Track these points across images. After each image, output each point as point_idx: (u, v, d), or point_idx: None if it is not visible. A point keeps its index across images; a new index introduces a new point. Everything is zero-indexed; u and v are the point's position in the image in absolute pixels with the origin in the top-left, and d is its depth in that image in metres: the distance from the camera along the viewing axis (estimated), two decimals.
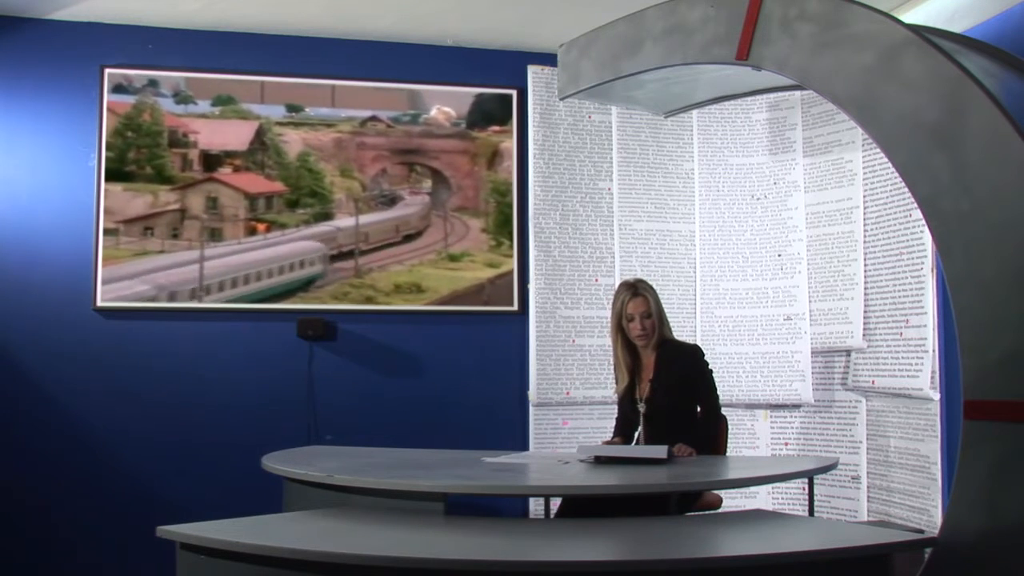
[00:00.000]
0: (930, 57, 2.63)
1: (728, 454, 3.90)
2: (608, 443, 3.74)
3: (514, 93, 4.86)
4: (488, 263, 4.81)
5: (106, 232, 4.44)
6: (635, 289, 3.69)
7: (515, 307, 4.79)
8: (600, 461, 3.32)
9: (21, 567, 4.25)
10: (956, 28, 3.79)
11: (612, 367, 3.83)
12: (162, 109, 4.56)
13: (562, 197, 4.76)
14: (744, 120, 4.81)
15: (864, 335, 4.36)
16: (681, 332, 4.44)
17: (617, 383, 3.79)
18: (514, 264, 4.80)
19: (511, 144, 4.85)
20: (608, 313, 4.65)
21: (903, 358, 4.15)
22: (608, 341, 4.64)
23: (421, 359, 4.72)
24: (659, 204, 4.84)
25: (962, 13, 4.02)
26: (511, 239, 4.82)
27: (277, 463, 3.36)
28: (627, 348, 3.72)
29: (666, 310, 3.81)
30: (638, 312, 3.65)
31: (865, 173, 4.43)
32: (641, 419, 3.69)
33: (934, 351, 4.03)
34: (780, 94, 4.57)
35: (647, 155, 4.86)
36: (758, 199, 4.74)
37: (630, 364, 3.72)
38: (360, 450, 3.84)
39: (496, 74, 4.85)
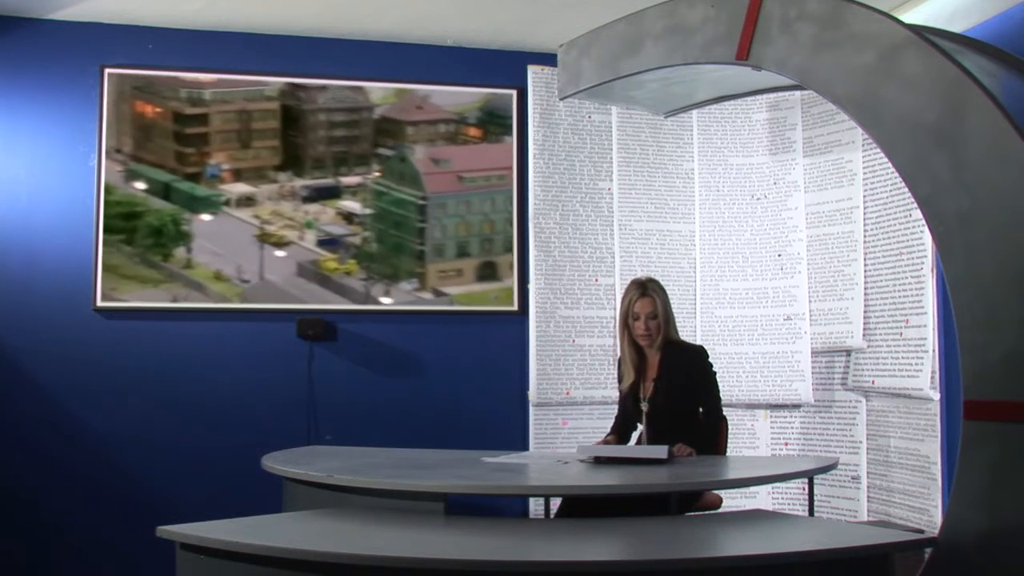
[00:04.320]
0: (930, 57, 2.63)
1: (728, 454, 3.90)
2: (603, 443, 3.74)
3: (514, 93, 4.86)
4: None
5: None
6: (644, 289, 3.68)
7: (515, 307, 4.78)
8: (600, 461, 3.32)
9: (21, 567, 4.25)
10: (956, 28, 3.79)
11: (613, 366, 3.83)
12: None
13: (562, 197, 4.76)
14: (744, 120, 4.81)
15: (864, 335, 4.36)
16: (681, 332, 4.41)
17: (621, 380, 3.79)
18: (514, 264, 4.80)
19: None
20: (610, 312, 4.68)
21: (903, 358, 4.15)
22: (609, 341, 4.66)
23: (421, 359, 4.72)
24: (659, 204, 4.84)
25: (962, 13, 4.01)
26: None
27: (277, 463, 3.36)
28: (633, 345, 3.71)
29: None
30: (644, 312, 3.64)
31: (865, 173, 4.42)
32: (643, 418, 3.69)
33: (934, 351, 4.03)
34: (780, 94, 4.56)
35: (647, 155, 4.86)
36: (758, 199, 4.74)
37: (636, 361, 3.71)
38: (360, 450, 3.84)
39: (496, 74, 4.85)
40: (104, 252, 4.35)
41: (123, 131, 4.42)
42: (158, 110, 4.40)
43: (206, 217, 4.39)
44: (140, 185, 4.38)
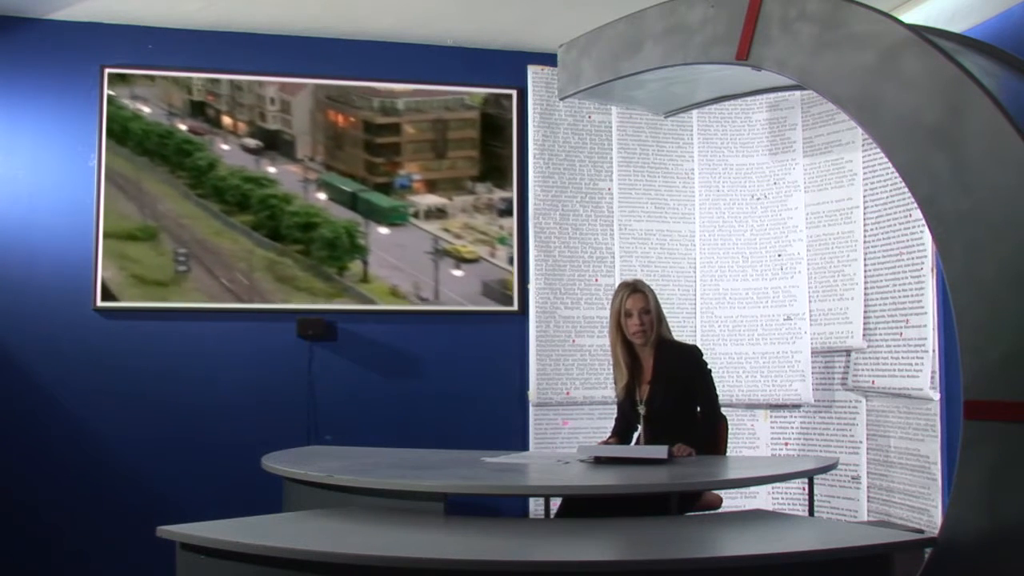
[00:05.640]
0: (930, 57, 2.63)
1: (728, 454, 3.90)
2: (604, 443, 3.74)
3: (514, 93, 4.86)
4: None
5: None
6: (634, 287, 3.71)
7: (515, 307, 4.78)
8: (600, 461, 3.32)
9: (21, 567, 4.25)
10: (956, 28, 3.79)
11: (612, 367, 3.83)
12: None
13: (562, 197, 4.76)
14: (744, 120, 4.81)
15: (864, 335, 4.36)
16: (681, 332, 4.44)
17: (616, 383, 3.79)
18: (514, 264, 4.80)
19: None
20: (608, 313, 4.68)
21: (903, 358, 4.15)
22: (608, 341, 4.66)
23: (421, 359, 4.72)
24: (659, 204, 4.84)
25: (962, 13, 4.01)
26: None
27: (277, 463, 3.36)
28: (626, 348, 3.71)
29: (666, 310, 3.81)
30: (636, 308, 3.64)
31: (865, 173, 4.42)
32: (641, 420, 3.69)
33: (934, 351, 4.03)
34: (780, 94, 4.56)
35: (647, 155, 4.86)
36: (758, 199, 4.74)
37: (629, 363, 3.71)
38: (360, 450, 3.84)
39: (496, 74, 4.85)
40: (280, 262, 4.29)
41: (317, 140, 4.39)
42: (350, 119, 4.39)
43: (383, 230, 4.32)
44: (321, 196, 4.34)
